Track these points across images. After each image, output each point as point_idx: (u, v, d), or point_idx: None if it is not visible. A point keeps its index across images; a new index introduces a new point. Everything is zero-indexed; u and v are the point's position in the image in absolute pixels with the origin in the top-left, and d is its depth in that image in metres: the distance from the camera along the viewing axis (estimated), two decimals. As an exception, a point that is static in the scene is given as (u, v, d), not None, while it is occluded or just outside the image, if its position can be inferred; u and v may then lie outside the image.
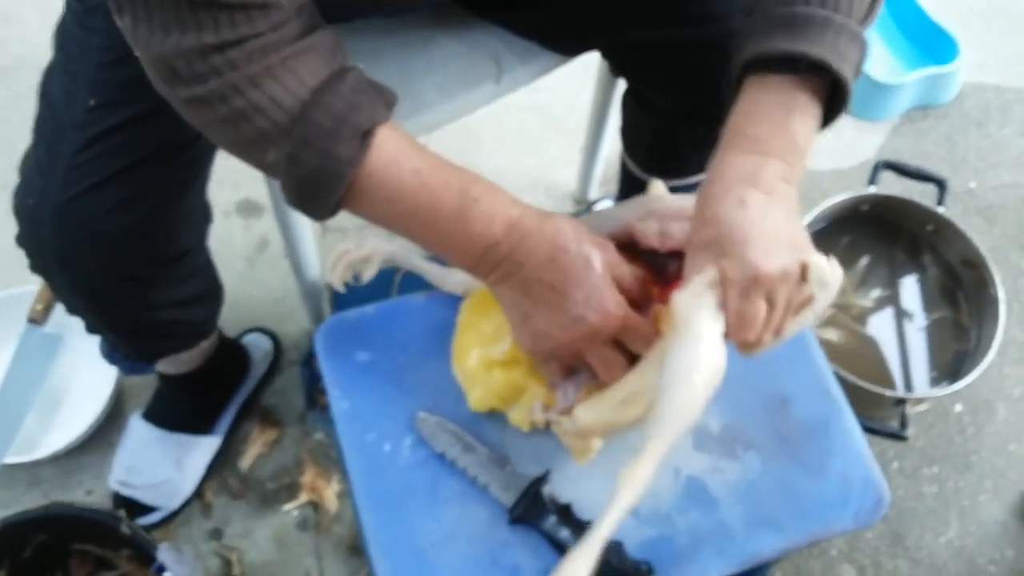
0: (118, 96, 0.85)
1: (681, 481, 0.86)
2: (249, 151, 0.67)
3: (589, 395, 0.79)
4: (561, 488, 0.84)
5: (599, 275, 0.70)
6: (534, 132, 1.70)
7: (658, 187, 0.85)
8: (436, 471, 0.84)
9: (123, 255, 0.88)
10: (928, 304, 1.47)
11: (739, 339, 0.69)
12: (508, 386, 0.82)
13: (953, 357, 1.43)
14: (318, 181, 0.66)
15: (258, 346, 1.41)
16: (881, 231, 1.50)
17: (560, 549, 0.81)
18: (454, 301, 0.89)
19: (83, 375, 1.38)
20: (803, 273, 0.69)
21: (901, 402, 1.33)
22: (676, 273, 0.76)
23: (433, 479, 0.84)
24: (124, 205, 0.85)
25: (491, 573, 0.81)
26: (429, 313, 0.91)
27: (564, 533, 0.81)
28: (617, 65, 1.07)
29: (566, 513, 0.82)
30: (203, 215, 0.98)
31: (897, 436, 1.31)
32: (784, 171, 0.68)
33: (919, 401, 1.37)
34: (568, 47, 1.05)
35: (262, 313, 1.47)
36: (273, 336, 1.44)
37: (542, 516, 0.81)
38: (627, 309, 0.72)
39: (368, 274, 0.89)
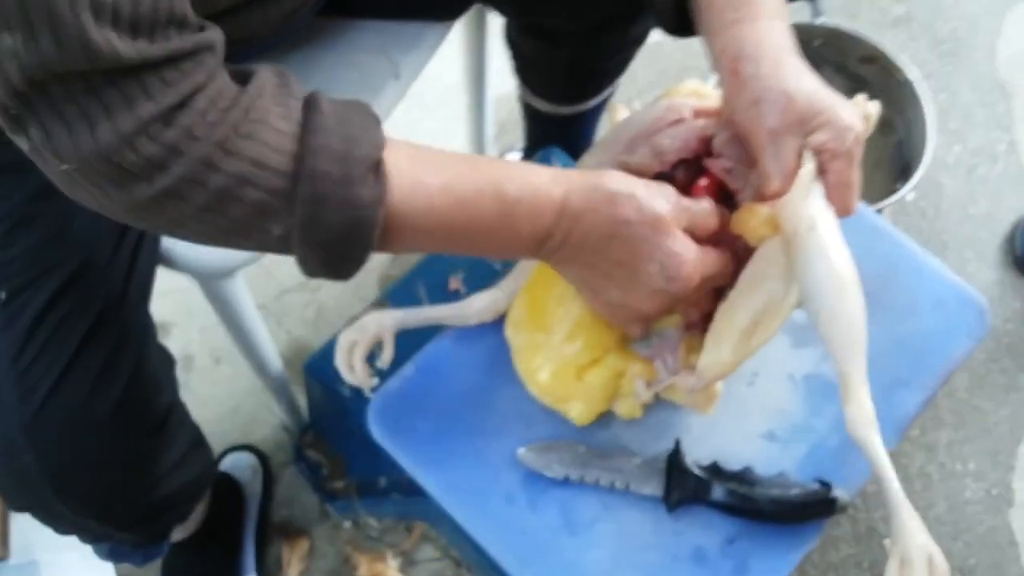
0: (30, 273, 0.70)
1: (799, 386, 0.80)
2: (246, 234, 0.54)
3: (690, 348, 0.71)
4: (699, 450, 0.76)
5: (670, 238, 0.62)
6: (399, 122, 1.58)
7: (621, 111, 0.77)
8: (566, 498, 0.75)
9: (118, 442, 0.74)
10: (844, 115, 1.45)
11: (848, 212, 0.64)
12: (609, 381, 0.74)
13: (891, 153, 1.43)
14: (347, 237, 0.54)
15: (242, 466, 1.26)
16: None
17: (731, 510, 0.73)
18: (488, 326, 0.80)
19: (75, 589, 1.19)
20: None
21: (874, 215, 1.32)
22: (688, 179, 0.69)
23: (568, 508, 0.75)
24: (98, 387, 0.71)
25: (677, 571, 0.73)
26: (468, 347, 0.80)
27: (727, 493, 0.73)
28: (512, 6, 0.98)
29: (718, 472, 0.74)
30: (168, 358, 0.84)
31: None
32: (788, 29, 0.64)
33: (880, 210, 1.37)
34: (451, 9, 0.95)
35: (225, 431, 1.31)
36: (250, 448, 1.29)
37: (699, 488, 0.74)
38: (706, 260, 0.64)
39: (387, 356, 0.77)
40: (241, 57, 0.84)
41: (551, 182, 0.61)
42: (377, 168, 0.55)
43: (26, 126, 0.48)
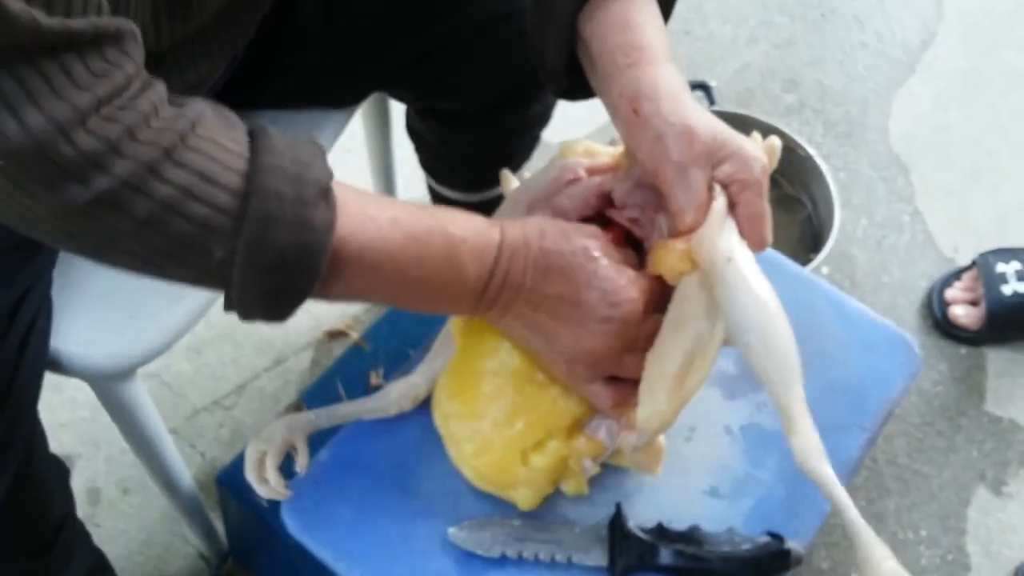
0: None
1: (738, 438, 0.77)
2: (185, 256, 0.51)
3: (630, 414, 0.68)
4: (641, 513, 0.72)
5: (604, 264, 0.62)
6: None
7: (511, 180, 0.77)
8: (505, 578, 0.69)
9: (5, 556, 0.66)
10: (752, 196, 1.48)
11: (763, 244, 0.63)
12: (556, 465, 0.69)
13: (800, 229, 1.45)
14: (295, 262, 0.52)
15: (156, 603, 1.16)
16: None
17: (681, 574, 0.69)
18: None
19: None
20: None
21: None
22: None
23: (508, 589, 0.69)
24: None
25: (631, 645, 0.67)
26: (386, 427, 0.75)
27: (675, 555, 0.69)
28: (409, 92, 0.97)
29: (664, 534, 0.70)
30: (61, 468, 0.77)
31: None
32: (678, 72, 0.64)
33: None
34: (349, 95, 0.94)
35: (136, 565, 1.21)
36: (166, 582, 1.19)
37: (645, 553, 0.69)
38: (642, 283, 0.63)
39: (303, 461, 0.72)
40: None
41: (489, 225, 0.62)
42: (327, 194, 0.53)
43: None
